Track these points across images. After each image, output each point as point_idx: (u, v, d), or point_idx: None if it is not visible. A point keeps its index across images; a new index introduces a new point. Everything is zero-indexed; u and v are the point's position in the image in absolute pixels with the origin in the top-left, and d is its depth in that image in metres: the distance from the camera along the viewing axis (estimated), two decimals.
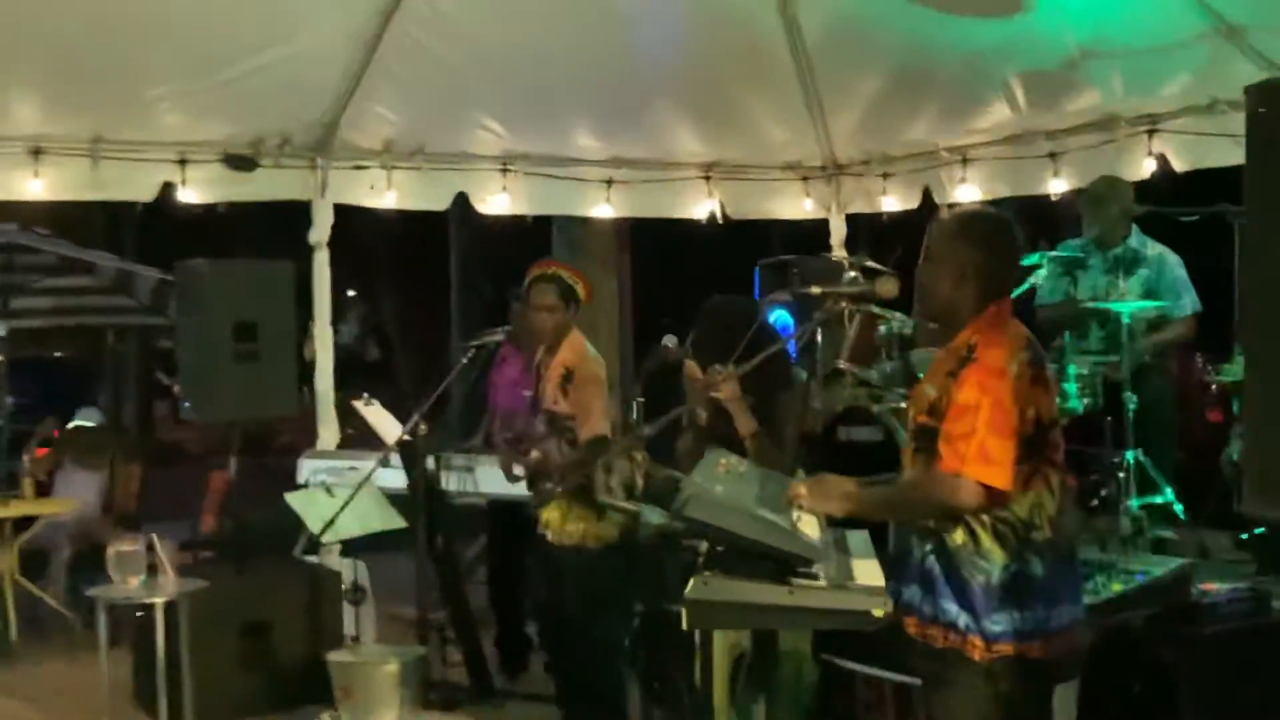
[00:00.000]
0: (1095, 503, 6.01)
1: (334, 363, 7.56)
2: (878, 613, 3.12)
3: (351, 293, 27.15)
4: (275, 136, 7.30)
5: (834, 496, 3.47)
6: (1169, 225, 6.45)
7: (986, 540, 3.28)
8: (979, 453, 3.20)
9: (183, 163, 7.12)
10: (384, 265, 20.25)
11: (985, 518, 3.28)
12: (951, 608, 3.32)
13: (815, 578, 3.16)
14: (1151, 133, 7.02)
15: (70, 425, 9.06)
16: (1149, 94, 6.93)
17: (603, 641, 5.27)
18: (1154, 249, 6.51)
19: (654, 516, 3.54)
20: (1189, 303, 6.45)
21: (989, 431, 3.20)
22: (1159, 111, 6.98)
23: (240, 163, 7.21)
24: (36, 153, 6.78)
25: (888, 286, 3.63)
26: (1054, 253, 6.37)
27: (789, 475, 3.72)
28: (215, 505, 8.48)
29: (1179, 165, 7.01)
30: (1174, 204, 6.43)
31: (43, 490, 8.50)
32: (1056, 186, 7.59)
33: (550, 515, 5.33)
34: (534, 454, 5.10)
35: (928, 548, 3.38)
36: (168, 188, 7.16)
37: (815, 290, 3.82)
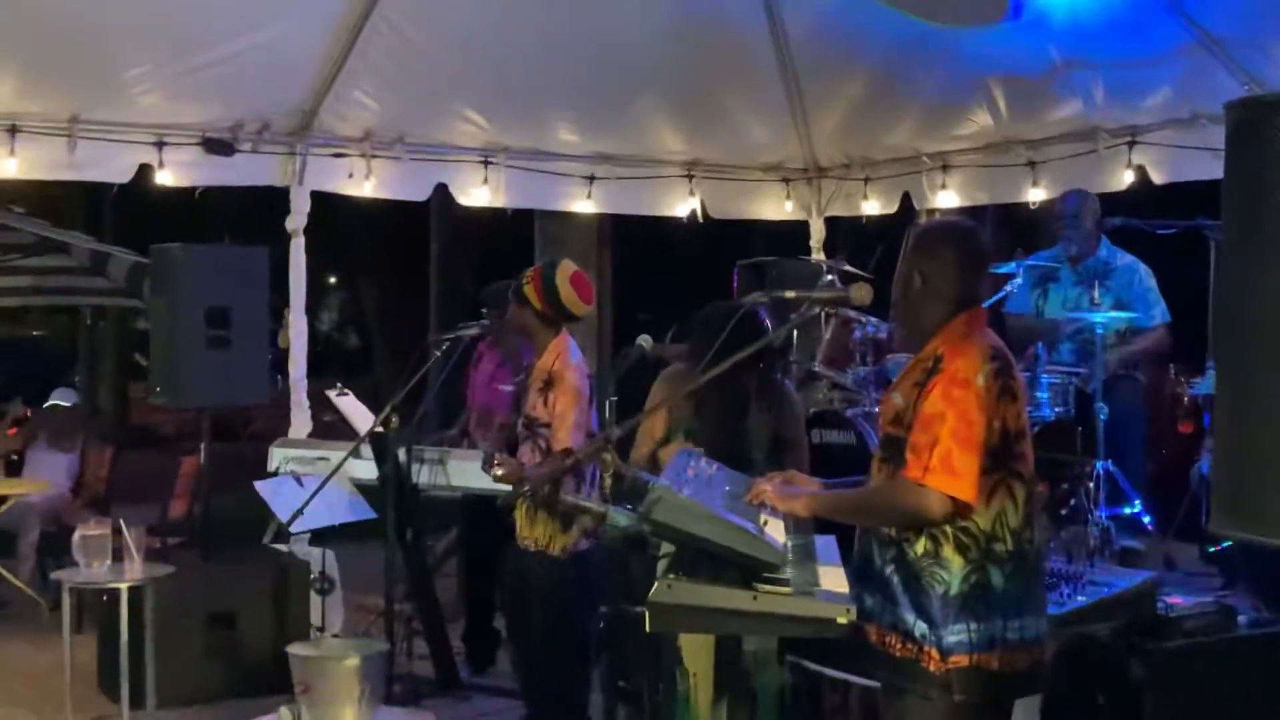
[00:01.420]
0: (1064, 511, 6.02)
1: (311, 351, 7.54)
2: (842, 620, 3.11)
3: (332, 279, 27.12)
4: (254, 121, 7.26)
5: (799, 496, 3.47)
6: (1144, 238, 6.49)
7: (947, 550, 3.27)
8: (943, 463, 3.19)
9: (160, 145, 7.07)
10: (365, 254, 20.20)
11: (947, 528, 3.26)
12: (909, 617, 3.31)
13: (781, 583, 3.14)
14: (1131, 144, 7.06)
15: (45, 405, 9.00)
16: (1130, 106, 6.97)
17: (567, 641, 5.26)
18: (1124, 259, 6.55)
19: (620, 518, 3.51)
20: (1159, 313, 6.49)
21: (953, 442, 3.19)
22: (1139, 123, 7.01)
23: (218, 147, 7.17)
24: (12, 130, 6.72)
25: (862, 293, 3.60)
26: (1029, 262, 6.40)
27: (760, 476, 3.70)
28: (186, 490, 8.43)
29: (1157, 178, 7.05)
30: (1150, 217, 6.46)
31: (12, 470, 8.45)
32: (1035, 195, 7.63)
33: (520, 517, 5.32)
34: (498, 470, 5.06)
35: (888, 556, 3.37)
36: (144, 170, 7.12)
37: (790, 294, 3.81)
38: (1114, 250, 6.57)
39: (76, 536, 6.01)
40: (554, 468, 5.01)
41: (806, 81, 7.99)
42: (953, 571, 3.26)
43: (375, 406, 6.70)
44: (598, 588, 5.02)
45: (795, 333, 6.68)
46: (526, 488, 4.74)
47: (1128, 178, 7.10)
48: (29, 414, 9.14)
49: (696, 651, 4.28)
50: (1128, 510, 6.15)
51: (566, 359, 5.26)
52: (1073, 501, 6.06)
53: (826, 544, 3.69)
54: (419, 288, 16.18)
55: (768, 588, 3.12)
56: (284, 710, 3.81)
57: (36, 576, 8.22)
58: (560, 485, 4.75)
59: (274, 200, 7.65)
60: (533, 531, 5.23)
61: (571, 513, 4.95)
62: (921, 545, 3.29)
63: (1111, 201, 6.84)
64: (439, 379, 6.74)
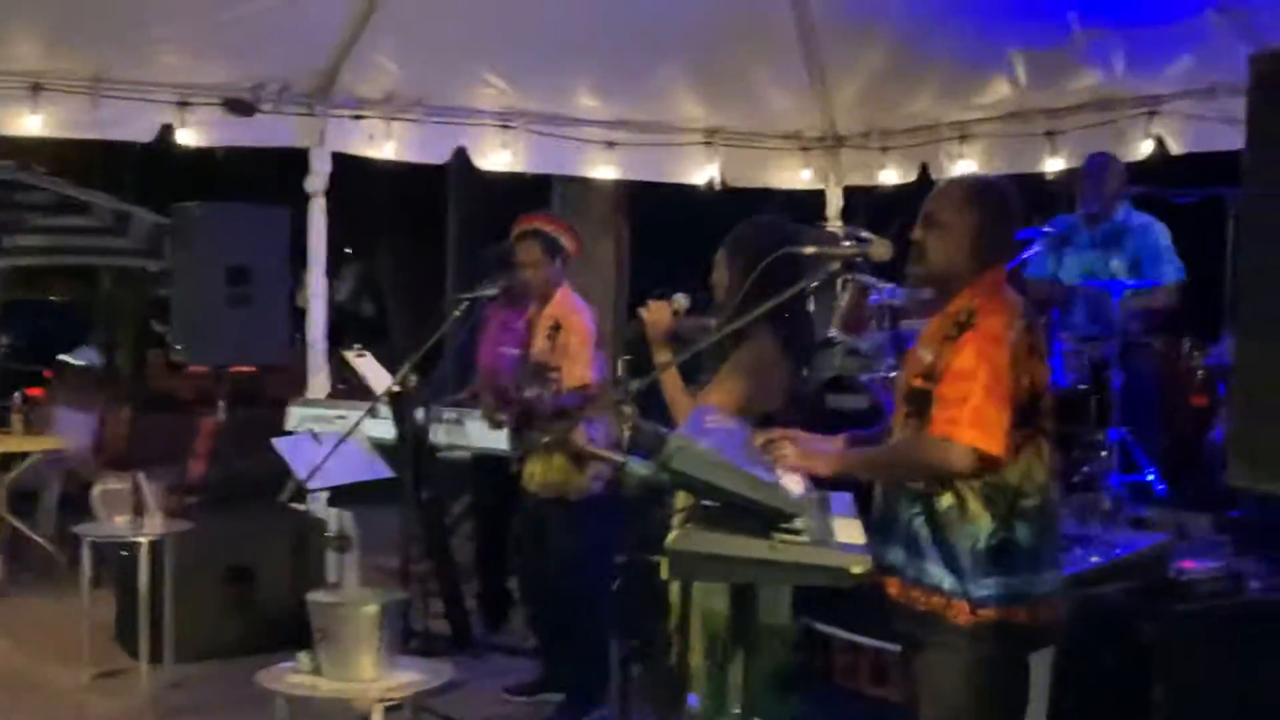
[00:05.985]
0: (1077, 479, 6.04)
1: (328, 318, 7.55)
2: (856, 570, 3.11)
3: (348, 250, 27.12)
4: (275, 82, 7.26)
5: (822, 456, 3.48)
6: (1162, 208, 6.49)
7: (974, 505, 3.28)
8: (974, 417, 3.19)
9: (183, 105, 7.09)
10: (381, 225, 20.18)
11: (975, 482, 3.26)
12: (936, 570, 3.32)
13: (797, 533, 3.16)
14: (1151, 115, 7.05)
15: (65, 360, 9.05)
16: (1150, 75, 6.95)
17: (583, 595, 5.31)
18: (1140, 219, 6.58)
19: (640, 468, 3.54)
20: (1172, 270, 6.52)
21: (985, 397, 3.20)
22: (1159, 93, 7.00)
23: (239, 107, 7.18)
24: (36, 89, 6.74)
25: (881, 249, 3.60)
26: (1048, 229, 6.41)
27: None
28: (204, 451, 8.47)
29: (1176, 148, 7.05)
30: (1168, 187, 6.46)
31: (33, 429, 8.50)
32: (1053, 165, 7.63)
33: (533, 467, 5.38)
34: (528, 394, 5.15)
35: (915, 510, 3.37)
36: (167, 129, 7.14)
37: (809, 250, 3.80)
38: (1131, 212, 6.58)
39: (96, 490, 6.09)
40: (582, 401, 5.11)
41: (827, 49, 7.98)
42: (981, 525, 3.27)
43: (390, 372, 6.73)
44: (612, 535, 5.08)
45: (811, 298, 6.69)
46: (546, 438, 4.80)
47: (1146, 148, 7.10)
48: (51, 375, 9.17)
49: (696, 607, 4.31)
50: (1141, 479, 6.16)
51: (573, 302, 5.40)
52: (1085, 469, 6.07)
53: (841, 498, 3.72)
54: (434, 256, 16.20)
55: (785, 537, 3.15)
56: (302, 656, 3.85)
57: (56, 534, 8.29)
58: (578, 430, 4.83)
59: (293, 165, 7.67)
60: (548, 478, 5.30)
61: (588, 458, 5.03)
62: (947, 499, 3.30)
63: (1129, 172, 6.84)
64: (457, 340, 6.78)
